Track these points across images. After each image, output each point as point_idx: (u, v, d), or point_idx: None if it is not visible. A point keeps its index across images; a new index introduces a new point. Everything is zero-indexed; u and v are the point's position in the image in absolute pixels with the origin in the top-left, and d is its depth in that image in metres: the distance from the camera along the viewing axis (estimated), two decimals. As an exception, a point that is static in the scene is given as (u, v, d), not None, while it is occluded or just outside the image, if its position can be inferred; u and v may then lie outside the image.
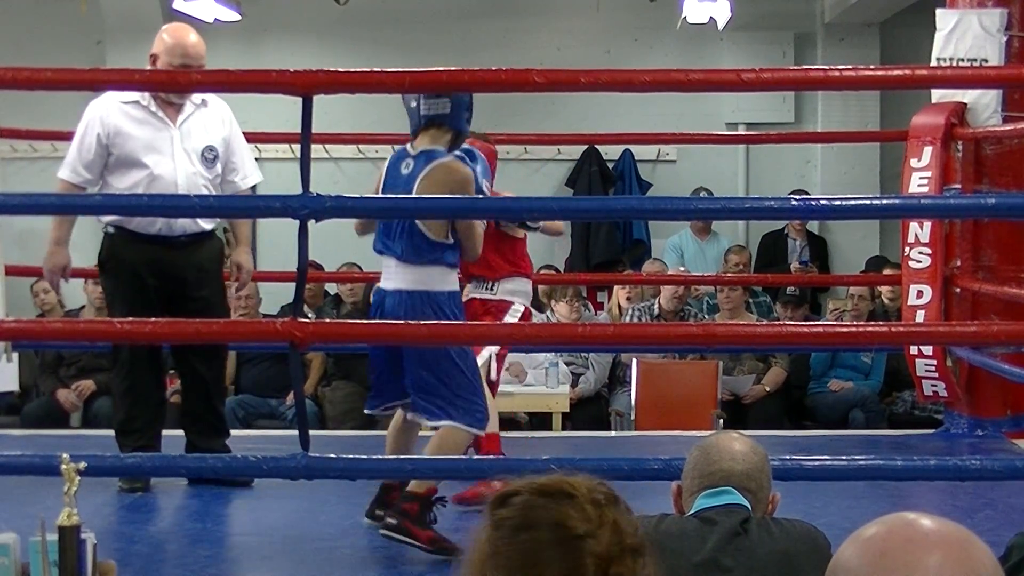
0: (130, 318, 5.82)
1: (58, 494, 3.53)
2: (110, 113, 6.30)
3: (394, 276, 5.58)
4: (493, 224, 6.30)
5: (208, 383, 6.58)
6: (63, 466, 3.58)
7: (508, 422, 8.70)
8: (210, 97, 6.49)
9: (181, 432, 6.57)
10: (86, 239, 11.85)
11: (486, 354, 6.13)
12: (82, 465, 3.62)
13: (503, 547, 1.96)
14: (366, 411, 5.94)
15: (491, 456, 5.99)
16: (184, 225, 6.33)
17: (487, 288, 6.40)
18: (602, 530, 1.94)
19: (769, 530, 3.03)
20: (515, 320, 6.32)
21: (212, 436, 6.51)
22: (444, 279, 5.57)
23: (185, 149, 6.33)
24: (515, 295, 6.42)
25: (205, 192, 6.27)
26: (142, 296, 6.28)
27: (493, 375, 6.21)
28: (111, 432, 6.43)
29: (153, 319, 5.53)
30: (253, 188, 6.69)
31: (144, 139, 6.28)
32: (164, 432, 6.46)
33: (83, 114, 6.38)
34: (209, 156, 6.39)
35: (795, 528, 3.08)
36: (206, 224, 6.43)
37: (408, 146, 5.73)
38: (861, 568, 1.58)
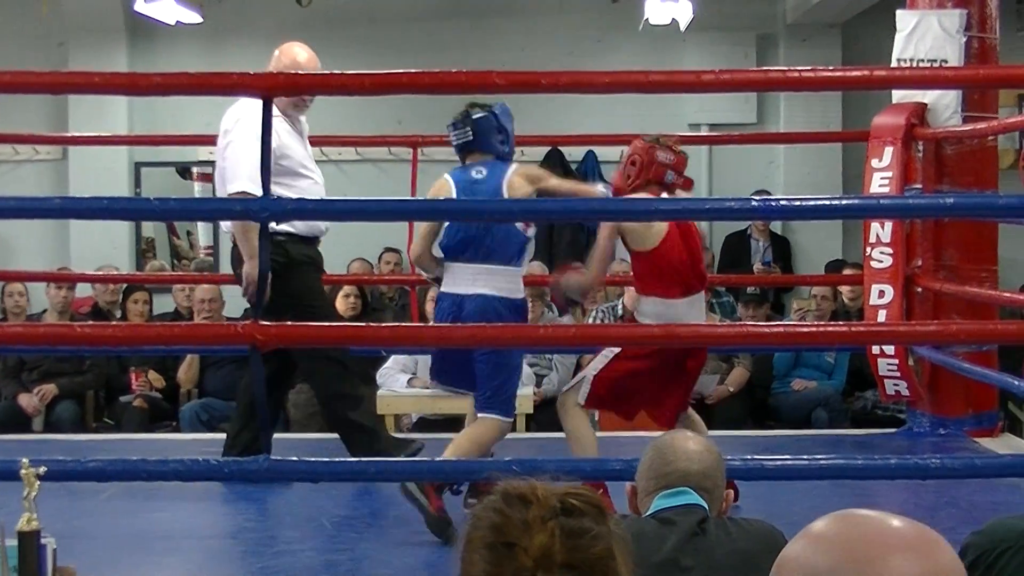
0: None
1: (18, 499, 3.51)
2: (274, 126, 6.34)
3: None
4: None
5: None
6: (23, 471, 3.56)
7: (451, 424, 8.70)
8: None
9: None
10: (48, 242, 11.85)
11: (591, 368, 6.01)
12: (42, 470, 3.60)
13: (469, 540, 2.00)
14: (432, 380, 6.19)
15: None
16: (327, 227, 6.64)
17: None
18: (535, 539, 1.93)
19: (727, 530, 3.04)
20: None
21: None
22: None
23: (310, 157, 6.62)
24: (646, 317, 6.01)
25: None
26: (310, 295, 6.55)
27: (581, 398, 5.97)
28: (73, 436, 6.42)
29: (114, 323, 5.51)
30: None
31: (300, 150, 6.53)
32: (128, 435, 6.44)
33: (237, 128, 6.42)
34: None
35: (753, 527, 3.08)
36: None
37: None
38: (824, 567, 1.56)
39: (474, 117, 6.00)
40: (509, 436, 8.04)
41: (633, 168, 5.86)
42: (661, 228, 5.82)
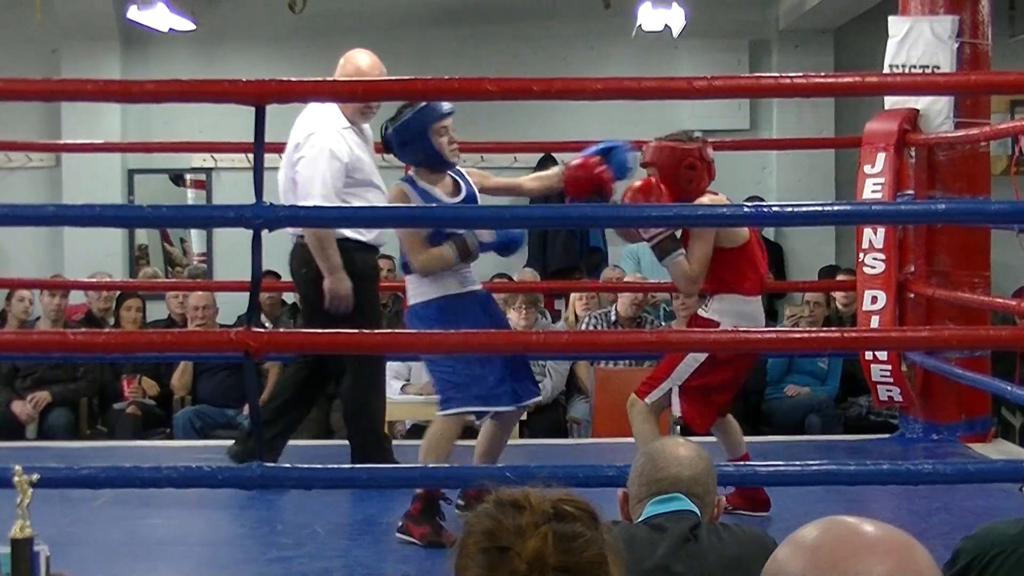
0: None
1: (11, 506, 3.52)
2: (345, 140, 6.44)
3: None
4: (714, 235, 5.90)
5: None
6: (16, 478, 3.56)
7: (465, 430, 8.68)
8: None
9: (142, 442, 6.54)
10: (41, 249, 11.85)
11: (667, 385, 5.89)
12: (35, 477, 3.60)
13: (462, 545, 2.03)
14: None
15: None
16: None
17: (703, 305, 5.98)
18: (528, 544, 1.96)
19: (719, 536, 3.04)
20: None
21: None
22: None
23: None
24: (724, 315, 5.84)
25: None
26: (371, 301, 6.56)
27: (676, 411, 5.90)
28: (66, 443, 6.41)
29: (107, 330, 5.51)
30: None
31: (368, 160, 6.50)
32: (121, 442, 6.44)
33: (309, 143, 6.41)
34: None
35: (745, 533, 3.09)
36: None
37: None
38: (803, 566, 1.58)
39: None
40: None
41: (693, 172, 5.73)
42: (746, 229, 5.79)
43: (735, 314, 5.79)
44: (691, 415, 5.84)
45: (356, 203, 6.36)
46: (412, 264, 5.75)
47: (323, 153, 6.34)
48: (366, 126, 6.66)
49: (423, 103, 5.74)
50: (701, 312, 5.92)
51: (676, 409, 5.85)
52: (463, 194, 5.90)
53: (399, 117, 5.81)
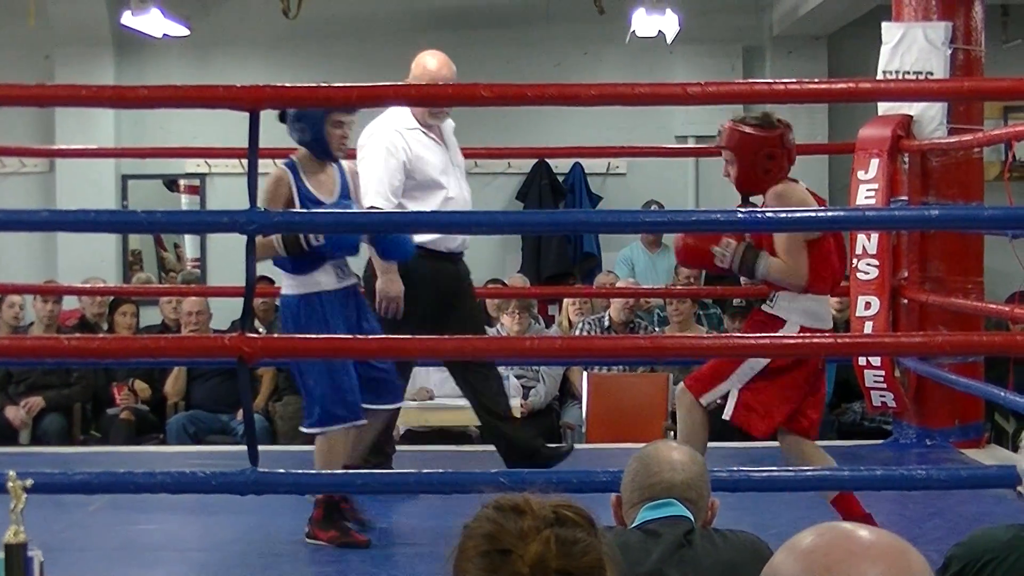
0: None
1: (5, 511, 3.52)
2: (404, 140, 6.43)
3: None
4: None
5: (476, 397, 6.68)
6: (9, 483, 3.56)
7: (459, 436, 8.71)
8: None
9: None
10: (35, 255, 11.84)
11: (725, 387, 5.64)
12: (29, 482, 3.60)
13: (458, 554, 2.04)
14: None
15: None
16: (464, 241, 6.60)
17: (768, 301, 5.66)
18: (530, 547, 1.98)
19: (713, 541, 3.03)
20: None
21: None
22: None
23: (455, 165, 6.52)
24: (792, 313, 5.56)
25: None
26: (433, 308, 6.45)
27: (727, 414, 5.62)
28: (60, 449, 6.41)
29: (100, 336, 5.51)
30: None
31: (436, 162, 6.44)
32: (115, 447, 6.43)
33: (369, 143, 6.43)
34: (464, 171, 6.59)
35: (739, 538, 3.07)
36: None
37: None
38: (798, 571, 1.59)
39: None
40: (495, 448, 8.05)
41: (772, 162, 5.53)
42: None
43: (803, 312, 5.54)
44: (747, 419, 5.57)
45: (414, 206, 6.34)
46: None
47: (379, 152, 6.36)
48: (446, 127, 6.61)
49: None
50: (765, 308, 5.64)
51: (728, 412, 5.57)
52: (337, 194, 5.96)
53: None
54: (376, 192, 6.26)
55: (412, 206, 6.34)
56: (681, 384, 5.73)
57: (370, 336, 5.48)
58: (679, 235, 5.73)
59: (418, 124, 6.43)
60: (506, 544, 1.99)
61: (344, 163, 6.09)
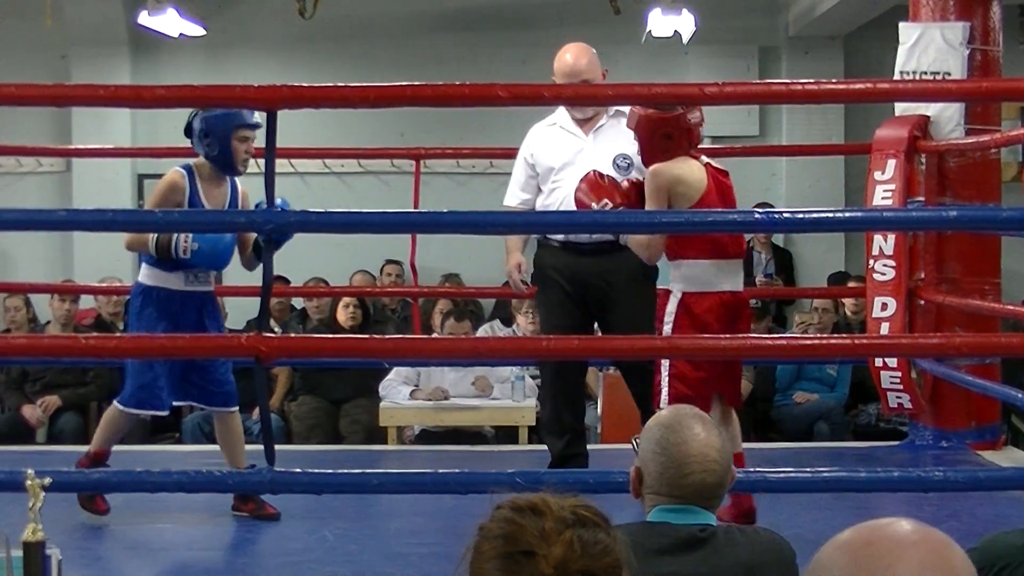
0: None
1: (23, 510, 3.52)
2: (534, 136, 6.61)
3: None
4: None
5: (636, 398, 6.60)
6: (28, 482, 3.57)
7: (474, 436, 8.71)
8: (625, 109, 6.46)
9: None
10: (52, 254, 11.86)
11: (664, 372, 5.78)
12: (47, 481, 3.61)
13: (479, 552, 2.02)
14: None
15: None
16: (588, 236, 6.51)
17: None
18: (554, 548, 1.97)
19: (733, 539, 2.96)
20: (671, 316, 5.72)
21: None
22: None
23: (597, 157, 6.40)
24: (674, 281, 5.78)
25: None
26: (560, 301, 6.47)
27: (662, 404, 5.68)
28: (76, 447, 6.43)
29: (117, 335, 5.52)
30: None
31: (559, 156, 6.46)
32: (130, 446, 6.44)
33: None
34: (622, 164, 6.41)
35: (760, 537, 3.01)
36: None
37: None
38: (843, 563, 1.60)
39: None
40: (511, 448, 8.08)
41: (670, 141, 5.68)
42: (703, 181, 5.69)
43: (683, 279, 5.75)
44: (678, 396, 5.64)
45: (539, 198, 6.50)
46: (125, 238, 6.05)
47: (521, 154, 6.62)
48: (609, 123, 6.52)
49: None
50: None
51: (663, 402, 5.67)
52: (226, 206, 6.09)
53: (212, 110, 5.94)
54: (510, 192, 6.59)
55: (540, 200, 6.48)
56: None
57: (386, 337, 5.48)
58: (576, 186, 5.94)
59: (561, 118, 6.56)
60: (528, 545, 1.98)
61: (238, 181, 6.21)
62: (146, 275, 6.08)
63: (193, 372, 6.07)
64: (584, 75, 6.40)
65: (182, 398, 6.23)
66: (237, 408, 6.28)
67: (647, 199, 5.69)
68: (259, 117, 5.77)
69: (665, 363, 5.70)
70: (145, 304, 6.01)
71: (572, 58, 6.50)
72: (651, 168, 5.70)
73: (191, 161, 6.08)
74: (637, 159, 6.15)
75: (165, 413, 6.36)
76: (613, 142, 6.44)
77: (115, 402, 6.06)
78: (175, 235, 5.85)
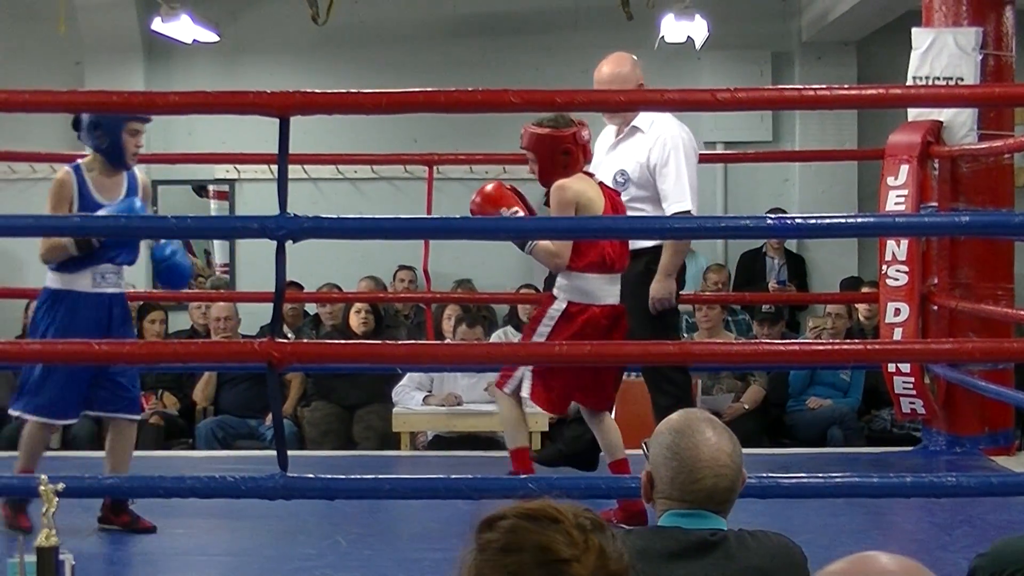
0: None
1: (37, 515, 3.53)
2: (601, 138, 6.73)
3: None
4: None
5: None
6: (41, 487, 3.58)
7: (488, 441, 8.71)
8: (655, 122, 6.57)
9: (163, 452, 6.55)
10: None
11: (519, 373, 6.06)
12: (60, 486, 3.62)
13: (487, 570, 1.97)
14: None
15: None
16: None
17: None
18: (587, 555, 1.95)
19: (745, 543, 2.95)
20: (551, 320, 5.96)
21: None
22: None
23: (608, 168, 6.54)
24: (561, 290, 5.98)
25: None
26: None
27: (525, 392, 6.07)
28: (90, 453, 6.44)
29: (131, 340, 5.54)
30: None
31: (596, 159, 6.55)
32: (144, 452, 6.44)
33: None
34: (620, 179, 6.50)
35: (771, 541, 3.00)
36: (636, 245, 6.43)
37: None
38: None
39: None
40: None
41: (568, 158, 5.90)
42: (602, 199, 5.93)
43: (571, 289, 5.96)
44: (540, 396, 6.04)
45: None
46: (39, 250, 6.01)
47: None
48: (640, 131, 6.59)
49: None
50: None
51: (525, 391, 6.03)
52: (122, 197, 6.06)
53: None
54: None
55: None
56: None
57: (400, 343, 5.47)
58: (480, 190, 6.03)
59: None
60: (564, 554, 1.94)
61: (137, 171, 6.22)
62: (53, 279, 6.07)
63: (104, 379, 6.03)
64: (612, 83, 6.49)
65: (91, 407, 6.17)
66: (139, 417, 6.32)
67: (554, 213, 5.89)
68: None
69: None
70: (52, 308, 6.01)
71: (609, 65, 6.64)
72: (557, 183, 5.87)
73: (79, 160, 6.11)
74: (635, 175, 6.43)
75: (74, 421, 6.40)
76: (623, 156, 6.56)
77: (30, 417, 6.04)
78: None
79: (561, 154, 5.90)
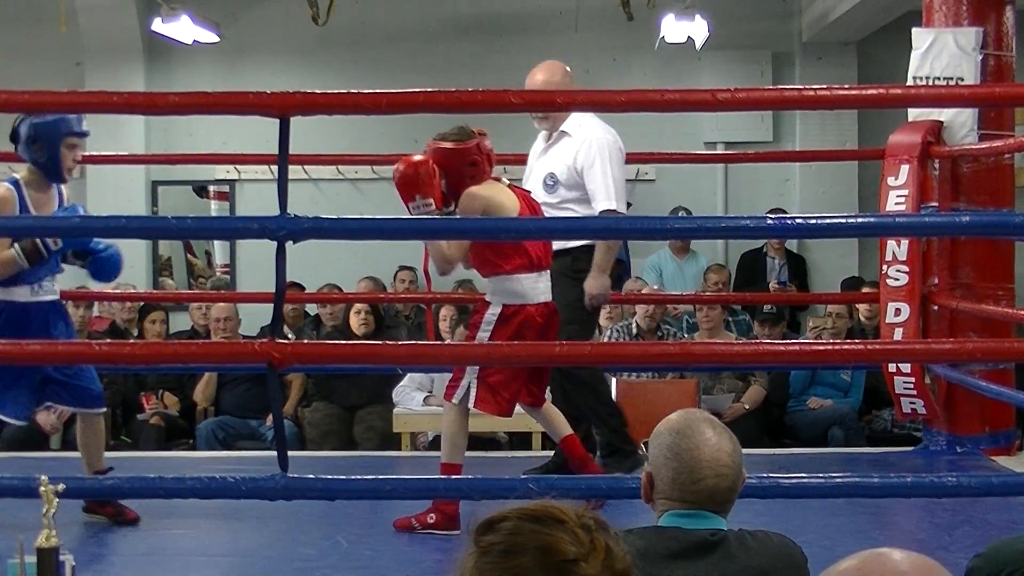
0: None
1: (37, 516, 3.53)
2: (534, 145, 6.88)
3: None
4: None
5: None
6: (42, 488, 3.58)
7: (488, 442, 8.71)
8: (581, 126, 6.70)
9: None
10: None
11: (466, 382, 6.08)
12: (60, 487, 3.62)
13: (490, 573, 1.95)
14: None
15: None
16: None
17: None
18: (594, 554, 1.93)
19: (745, 544, 2.95)
20: (489, 325, 6.06)
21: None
22: None
23: (536, 176, 6.74)
24: (494, 295, 6.09)
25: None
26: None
27: (470, 403, 6.09)
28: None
29: (132, 341, 5.53)
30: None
31: (528, 168, 6.83)
32: (144, 452, 6.45)
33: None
34: (550, 182, 6.67)
35: (772, 541, 3.00)
36: (565, 243, 6.60)
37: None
38: None
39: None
40: (525, 454, 8.06)
41: (475, 168, 5.99)
42: (515, 201, 6.01)
43: (503, 292, 6.05)
44: (486, 403, 6.11)
45: None
46: None
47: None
48: (565, 136, 6.74)
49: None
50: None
51: (471, 402, 6.07)
52: (65, 208, 6.09)
53: (40, 116, 5.94)
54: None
55: None
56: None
57: (400, 343, 5.47)
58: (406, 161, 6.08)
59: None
60: (570, 554, 1.93)
61: (63, 188, 6.21)
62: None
63: (56, 374, 6.07)
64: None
65: (44, 399, 6.21)
66: (104, 410, 6.34)
67: (459, 214, 5.97)
68: (87, 126, 6.03)
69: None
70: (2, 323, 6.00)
71: (542, 77, 6.78)
72: (467, 191, 5.95)
73: (15, 174, 6.10)
74: (563, 177, 6.62)
75: (25, 423, 6.43)
76: (552, 160, 6.73)
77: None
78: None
79: (468, 165, 5.99)
